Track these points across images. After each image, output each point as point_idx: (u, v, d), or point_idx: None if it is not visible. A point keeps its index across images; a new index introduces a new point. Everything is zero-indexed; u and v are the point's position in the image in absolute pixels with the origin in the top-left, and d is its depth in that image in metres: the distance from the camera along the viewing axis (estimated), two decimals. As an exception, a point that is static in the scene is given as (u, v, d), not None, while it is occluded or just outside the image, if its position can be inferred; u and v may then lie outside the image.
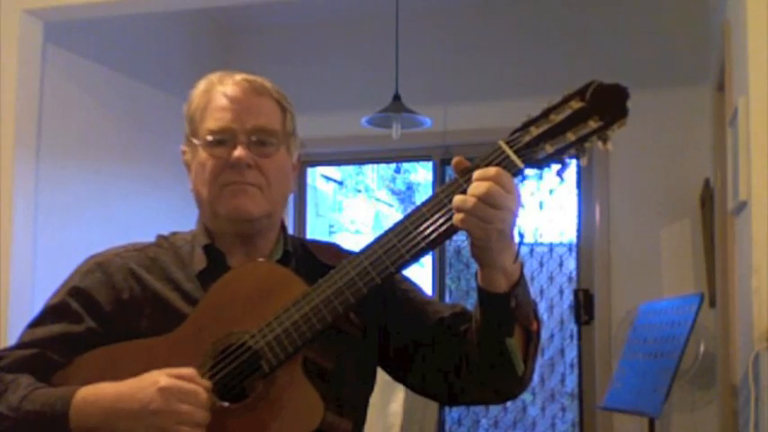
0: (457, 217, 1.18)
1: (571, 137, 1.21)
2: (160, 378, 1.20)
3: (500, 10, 4.51)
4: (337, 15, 4.72)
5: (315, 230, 5.72)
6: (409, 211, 1.24)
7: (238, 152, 1.36)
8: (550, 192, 4.98)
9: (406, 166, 7.76)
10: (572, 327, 4.70)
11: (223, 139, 1.38)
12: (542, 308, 4.99)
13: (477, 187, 1.17)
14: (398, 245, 1.22)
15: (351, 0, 4.57)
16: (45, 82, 3.54)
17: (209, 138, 1.39)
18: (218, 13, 4.68)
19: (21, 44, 3.40)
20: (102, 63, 3.94)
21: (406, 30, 4.04)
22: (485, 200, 1.16)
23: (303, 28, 4.77)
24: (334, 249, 1.48)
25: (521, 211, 1.21)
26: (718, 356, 3.52)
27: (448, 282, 4.88)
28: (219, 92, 1.41)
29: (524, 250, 5.22)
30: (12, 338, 1.39)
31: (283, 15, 4.75)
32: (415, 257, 1.22)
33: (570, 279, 4.84)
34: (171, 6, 3.77)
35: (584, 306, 4.34)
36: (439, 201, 1.22)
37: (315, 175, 6.35)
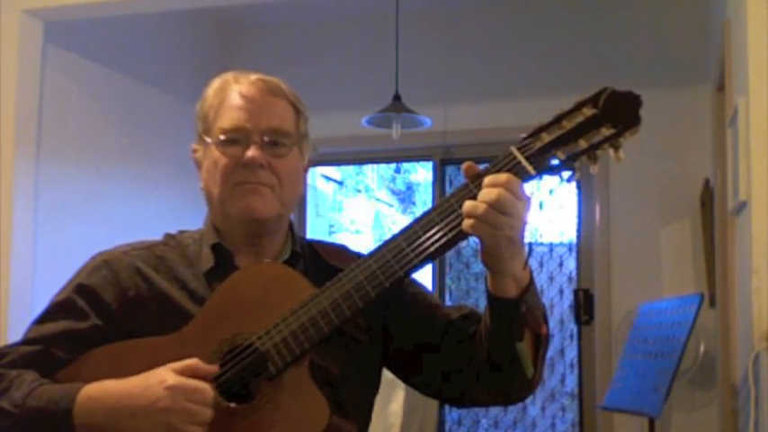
0: (467, 223, 1.18)
1: (583, 144, 1.20)
2: (167, 376, 1.20)
3: (500, 10, 4.51)
4: (337, 15, 4.72)
5: (315, 230, 5.72)
6: (419, 215, 1.24)
7: (252, 152, 1.36)
8: (550, 192, 4.98)
9: (406, 166, 7.77)
10: (572, 327, 4.70)
11: (236, 139, 1.38)
12: (542, 308, 4.97)
13: (487, 194, 1.16)
14: (407, 249, 1.22)
15: (351, 0, 4.57)
16: (45, 82, 3.54)
17: (223, 137, 1.38)
18: (218, 13, 4.68)
19: (21, 44, 3.40)
20: (102, 63, 3.94)
21: (406, 30, 4.04)
22: (495, 206, 1.16)
23: (303, 28, 4.77)
24: (342, 251, 1.48)
25: (530, 218, 1.21)
26: (719, 356, 3.52)
27: (448, 282, 4.88)
28: (235, 90, 1.40)
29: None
30: (12, 338, 1.39)
31: (284, 15, 4.75)
32: (424, 262, 1.22)
33: (570, 279, 4.84)
34: (171, 6, 3.77)
35: (584, 306, 4.34)
36: (449, 206, 1.21)
37: (315, 175, 6.35)
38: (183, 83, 4.20)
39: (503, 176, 1.18)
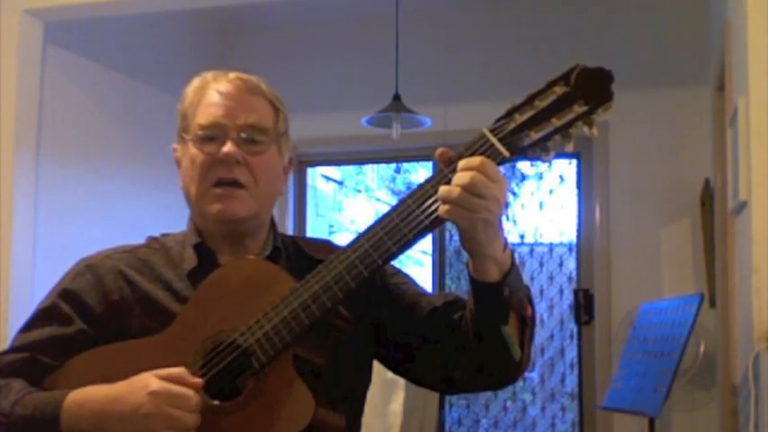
0: (442, 208, 1.17)
1: (556, 122, 1.19)
2: (151, 381, 1.20)
3: (500, 11, 4.51)
4: (337, 15, 4.72)
5: (315, 230, 5.73)
6: (395, 203, 1.24)
7: (227, 148, 1.36)
8: (550, 192, 4.97)
9: (406, 166, 7.76)
10: (572, 327, 4.71)
11: (213, 135, 1.38)
12: (542, 308, 4.99)
13: (461, 177, 1.16)
14: (385, 237, 1.21)
15: (351, 0, 4.57)
16: (45, 82, 3.54)
17: (200, 132, 1.39)
18: (218, 13, 4.68)
19: (21, 44, 3.40)
20: (101, 63, 3.94)
21: (406, 30, 4.04)
22: (469, 189, 1.15)
23: (303, 28, 4.77)
24: (326, 245, 1.48)
25: (510, 201, 1.20)
26: (719, 356, 3.52)
27: (448, 282, 4.88)
28: (212, 88, 1.42)
29: (524, 250, 5.23)
30: (11, 338, 1.39)
31: (283, 15, 4.75)
32: (403, 249, 1.21)
33: (570, 279, 4.85)
34: (171, 6, 3.77)
35: (584, 306, 4.34)
36: (424, 192, 1.21)
37: (315, 175, 6.35)
38: (183, 83, 4.17)
39: (476, 159, 1.17)
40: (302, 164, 4.95)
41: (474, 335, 1.30)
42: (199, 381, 1.23)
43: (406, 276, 1.49)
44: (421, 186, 1.22)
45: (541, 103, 1.20)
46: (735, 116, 2.49)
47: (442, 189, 1.17)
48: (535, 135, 1.20)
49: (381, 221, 1.23)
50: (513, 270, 1.25)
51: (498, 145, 1.20)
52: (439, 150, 1.22)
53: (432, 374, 1.42)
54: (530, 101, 1.21)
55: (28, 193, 3.42)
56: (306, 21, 4.75)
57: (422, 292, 1.46)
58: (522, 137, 1.20)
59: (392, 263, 1.31)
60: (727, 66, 2.89)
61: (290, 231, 4.73)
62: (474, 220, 1.17)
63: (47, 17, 3.49)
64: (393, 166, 7.69)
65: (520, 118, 1.21)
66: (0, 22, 3.38)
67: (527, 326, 1.30)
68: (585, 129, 1.20)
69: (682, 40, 4.17)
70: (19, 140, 3.36)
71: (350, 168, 7.57)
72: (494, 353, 1.28)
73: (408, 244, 1.21)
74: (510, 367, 1.31)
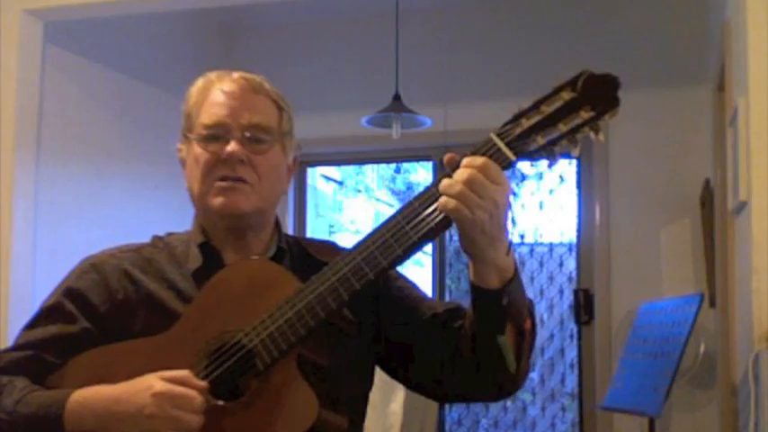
0: (442, 200, 1.17)
1: (563, 128, 1.20)
2: (154, 383, 1.20)
3: (500, 10, 4.51)
4: (337, 15, 4.72)
5: (315, 230, 5.73)
6: (401, 205, 1.23)
7: (231, 147, 1.36)
8: (550, 192, 4.97)
9: (406, 166, 7.75)
10: (572, 327, 4.71)
11: (217, 134, 1.38)
12: (542, 308, 5.00)
13: (461, 173, 1.17)
14: (391, 240, 1.21)
15: (351, 0, 4.57)
16: (45, 82, 3.54)
17: (204, 132, 1.39)
18: (218, 13, 4.68)
19: (21, 44, 3.40)
20: (102, 63, 3.94)
21: (406, 30, 4.04)
22: (468, 185, 1.16)
23: (303, 28, 4.78)
24: (330, 247, 1.48)
25: (513, 205, 1.20)
26: (719, 356, 3.52)
27: (448, 282, 4.88)
28: (217, 88, 1.42)
29: (524, 250, 5.23)
30: (11, 338, 1.40)
31: (283, 15, 4.75)
32: (409, 252, 1.21)
33: (570, 279, 4.85)
34: (171, 6, 3.77)
35: (584, 306, 4.33)
36: (430, 195, 1.21)
37: (315, 175, 6.35)
38: (183, 83, 4.17)
39: (479, 159, 1.18)
40: (302, 164, 4.95)
41: (471, 343, 1.29)
42: (203, 384, 1.22)
43: (409, 281, 1.49)
44: (427, 189, 1.22)
45: (548, 108, 1.21)
46: (735, 116, 2.49)
47: (444, 181, 1.18)
48: (542, 140, 1.20)
49: (387, 224, 1.22)
50: (514, 280, 1.24)
51: (505, 149, 1.20)
52: (447, 156, 1.22)
53: (429, 381, 1.41)
54: (536, 106, 1.22)
55: (28, 193, 3.42)
56: (306, 21, 4.75)
57: (423, 297, 1.46)
58: (528, 141, 1.20)
59: (396, 267, 1.30)
60: (727, 66, 2.89)
61: (290, 231, 4.73)
62: (473, 220, 1.16)
63: (47, 17, 3.49)
64: (393, 166, 7.68)
65: (527, 122, 1.21)
66: (0, 22, 3.38)
67: (524, 339, 1.29)
68: (592, 134, 1.20)
69: (682, 41, 4.17)
70: (19, 140, 3.36)
71: (350, 168, 7.57)
72: (489, 362, 1.28)
73: (414, 247, 1.21)
74: (506, 379, 1.30)
